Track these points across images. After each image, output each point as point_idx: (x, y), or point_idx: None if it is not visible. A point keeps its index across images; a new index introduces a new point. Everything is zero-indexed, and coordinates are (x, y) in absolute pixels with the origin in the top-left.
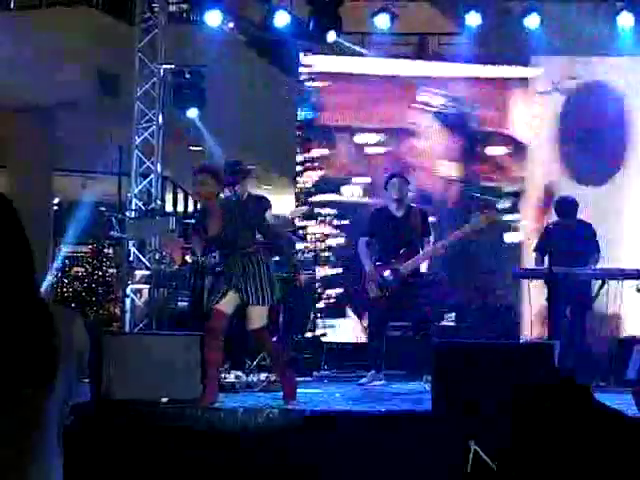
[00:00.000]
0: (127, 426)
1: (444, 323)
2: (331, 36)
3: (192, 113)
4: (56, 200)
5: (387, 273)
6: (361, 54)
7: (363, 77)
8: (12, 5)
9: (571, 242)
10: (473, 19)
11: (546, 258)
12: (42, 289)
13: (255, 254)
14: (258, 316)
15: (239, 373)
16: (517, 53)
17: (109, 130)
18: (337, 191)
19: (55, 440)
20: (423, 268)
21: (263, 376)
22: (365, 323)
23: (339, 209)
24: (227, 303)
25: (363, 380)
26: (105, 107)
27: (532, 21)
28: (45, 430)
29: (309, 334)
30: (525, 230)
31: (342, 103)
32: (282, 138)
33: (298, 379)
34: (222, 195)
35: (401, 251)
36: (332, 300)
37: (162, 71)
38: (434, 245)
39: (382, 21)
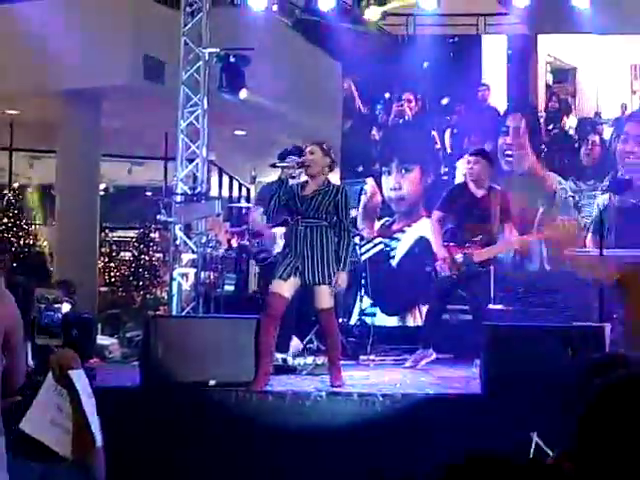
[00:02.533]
0: (175, 408)
1: (493, 306)
2: (373, 13)
3: (243, 94)
4: (103, 186)
5: (459, 256)
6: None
7: None
8: None
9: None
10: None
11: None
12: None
13: (327, 229)
14: (327, 296)
15: (286, 356)
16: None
17: (155, 115)
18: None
19: None
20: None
21: (310, 359)
22: None
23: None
24: (288, 286)
25: (407, 363)
26: (151, 92)
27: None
28: None
29: (355, 317)
30: None
31: None
32: (328, 122)
33: (344, 363)
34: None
35: (478, 237)
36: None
37: (207, 55)
38: (511, 241)
39: (428, 2)
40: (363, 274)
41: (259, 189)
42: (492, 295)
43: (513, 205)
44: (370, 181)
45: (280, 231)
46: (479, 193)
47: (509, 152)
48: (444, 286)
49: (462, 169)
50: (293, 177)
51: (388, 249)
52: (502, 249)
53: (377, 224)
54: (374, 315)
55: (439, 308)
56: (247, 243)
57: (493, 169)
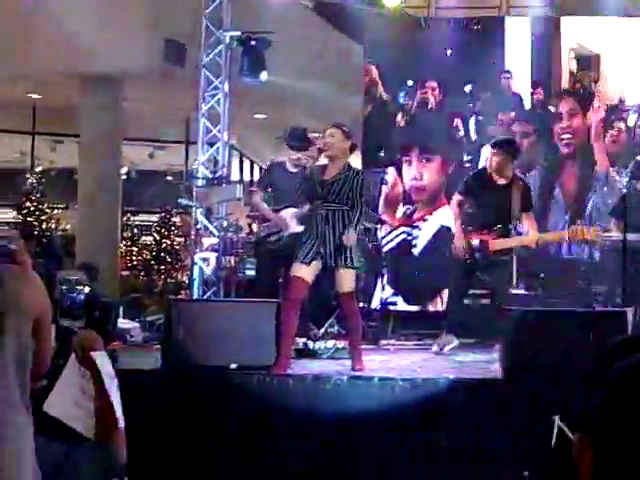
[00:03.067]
0: (196, 392)
1: (514, 291)
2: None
3: (264, 76)
4: (124, 169)
5: (476, 242)
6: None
7: None
8: None
9: None
10: None
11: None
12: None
13: (349, 213)
14: (349, 279)
15: (306, 340)
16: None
17: (176, 99)
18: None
19: (14, 398)
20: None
21: (330, 343)
22: None
23: None
24: (309, 270)
25: (434, 348)
26: (172, 76)
27: None
28: None
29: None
30: None
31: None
32: (350, 106)
33: (365, 347)
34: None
35: (495, 227)
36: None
37: (228, 38)
38: (530, 236)
39: None
40: (384, 264)
41: (262, 172)
42: (515, 280)
43: (567, 188)
44: (391, 170)
45: (288, 213)
46: (501, 181)
47: (566, 136)
48: (461, 270)
49: (485, 156)
50: (309, 159)
51: (410, 238)
52: (516, 244)
53: (399, 213)
54: (395, 304)
55: (458, 292)
56: (256, 227)
57: (516, 158)
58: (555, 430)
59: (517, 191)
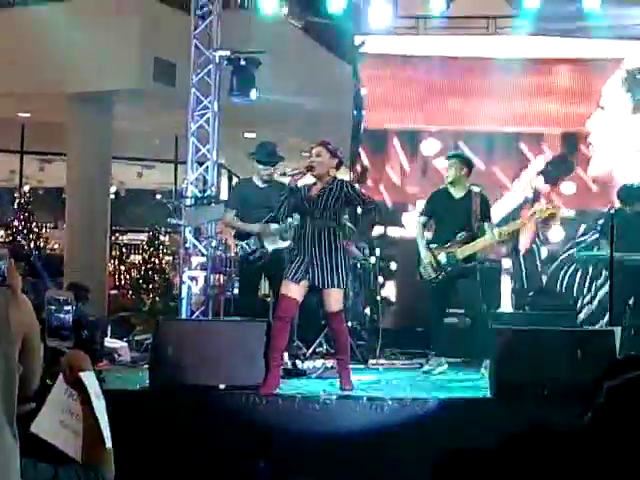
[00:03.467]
0: (184, 412)
1: (502, 310)
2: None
3: (253, 95)
4: (113, 188)
5: (442, 256)
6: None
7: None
8: None
9: (637, 229)
10: (532, 1)
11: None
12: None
13: (336, 231)
14: (336, 299)
15: (294, 359)
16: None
17: (165, 118)
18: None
19: (0, 422)
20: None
21: (319, 363)
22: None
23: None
24: (296, 289)
25: (426, 367)
26: (162, 95)
27: (591, 2)
28: None
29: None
30: None
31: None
32: (338, 124)
33: (354, 366)
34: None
35: (458, 235)
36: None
37: (218, 58)
38: (492, 232)
39: (438, 4)
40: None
41: (232, 190)
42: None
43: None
44: None
45: (270, 228)
46: (458, 195)
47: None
48: (435, 290)
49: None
50: (287, 175)
51: None
52: (485, 243)
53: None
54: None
55: (436, 313)
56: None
57: (470, 170)
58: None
59: (475, 202)
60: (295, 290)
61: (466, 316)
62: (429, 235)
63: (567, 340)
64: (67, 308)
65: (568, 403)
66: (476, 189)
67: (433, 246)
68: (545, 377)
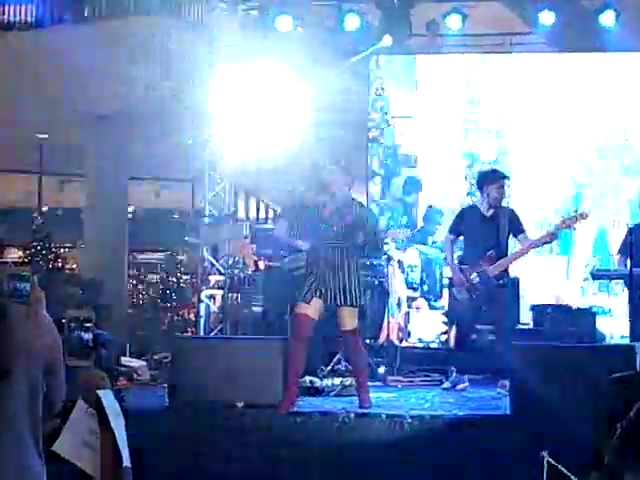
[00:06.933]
0: (203, 430)
1: (521, 326)
2: (387, 40)
3: None
4: (131, 208)
5: (474, 275)
6: None
7: None
8: (85, 14)
9: None
10: (547, 17)
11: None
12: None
13: (350, 250)
14: (351, 317)
15: (313, 378)
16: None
17: (182, 137)
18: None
19: (24, 439)
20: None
21: (337, 381)
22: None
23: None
24: (312, 308)
25: (446, 384)
26: (178, 115)
27: (607, 18)
28: (5, 428)
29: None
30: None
31: None
32: (354, 143)
33: (372, 384)
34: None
35: (489, 252)
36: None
37: None
38: (522, 246)
39: (454, 22)
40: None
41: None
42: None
43: None
44: None
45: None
46: (489, 213)
47: None
48: (464, 307)
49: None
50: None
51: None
52: (516, 257)
53: None
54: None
55: (463, 332)
56: (277, 263)
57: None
58: (545, 466)
59: (504, 219)
60: (310, 309)
61: (493, 333)
62: (458, 253)
63: (587, 356)
64: (87, 326)
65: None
66: (505, 207)
67: (464, 267)
68: (564, 394)
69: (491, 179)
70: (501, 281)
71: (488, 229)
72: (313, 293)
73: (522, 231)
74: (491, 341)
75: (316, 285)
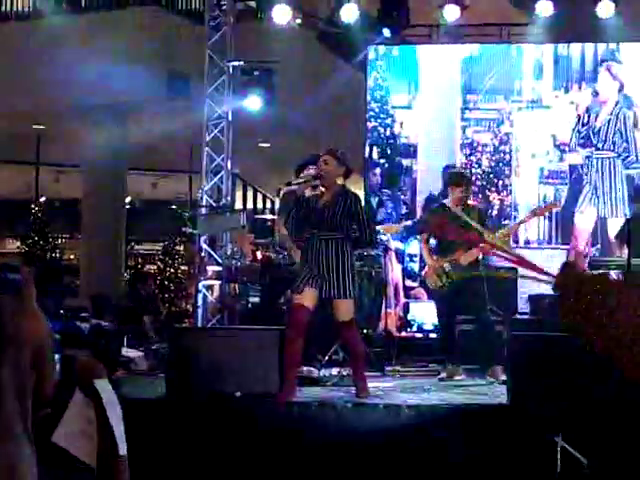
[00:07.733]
0: (200, 420)
1: (518, 316)
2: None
3: (267, 105)
4: (128, 199)
5: (446, 264)
6: None
7: None
8: (83, 5)
9: None
10: (544, 8)
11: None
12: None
13: (343, 242)
14: (346, 309)
15: (311, 367)
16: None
17: (180, 128)
18: None
19: (12, 429)
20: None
21: (335, 370)
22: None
23: None
24: (307, 298)
25: (442, 375)
26: (176, 106)
27: (605, 8)
28: None
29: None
30: None
31: None
32: (351, 133)
33: (370, 374)
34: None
35: (458, 243)
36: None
37: (231, 68)
38: (490, 235)
39: (451, 13)
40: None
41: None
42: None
43: None
44: None
45: None
46: (457, 210)
47: None
48: (441, 299)
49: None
50: (315, 186)
51: None
52: (484, 249)
53: None
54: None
55: (445, 321)
56: (273, 255)
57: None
58: (559, 451)
59: (473, 214)
60: (305, 299)
61: (470, 322)
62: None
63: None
64: (84, 317)
65: (586, 408)
66: (471, 202)
67: (435, 257)
68: (562, 383)
69: (456, 182)
70: (474, 271)
71: (458, 223)
72: (307, 283)
73: (487, 227)
74: (472, 331)
75: (310, 276)
